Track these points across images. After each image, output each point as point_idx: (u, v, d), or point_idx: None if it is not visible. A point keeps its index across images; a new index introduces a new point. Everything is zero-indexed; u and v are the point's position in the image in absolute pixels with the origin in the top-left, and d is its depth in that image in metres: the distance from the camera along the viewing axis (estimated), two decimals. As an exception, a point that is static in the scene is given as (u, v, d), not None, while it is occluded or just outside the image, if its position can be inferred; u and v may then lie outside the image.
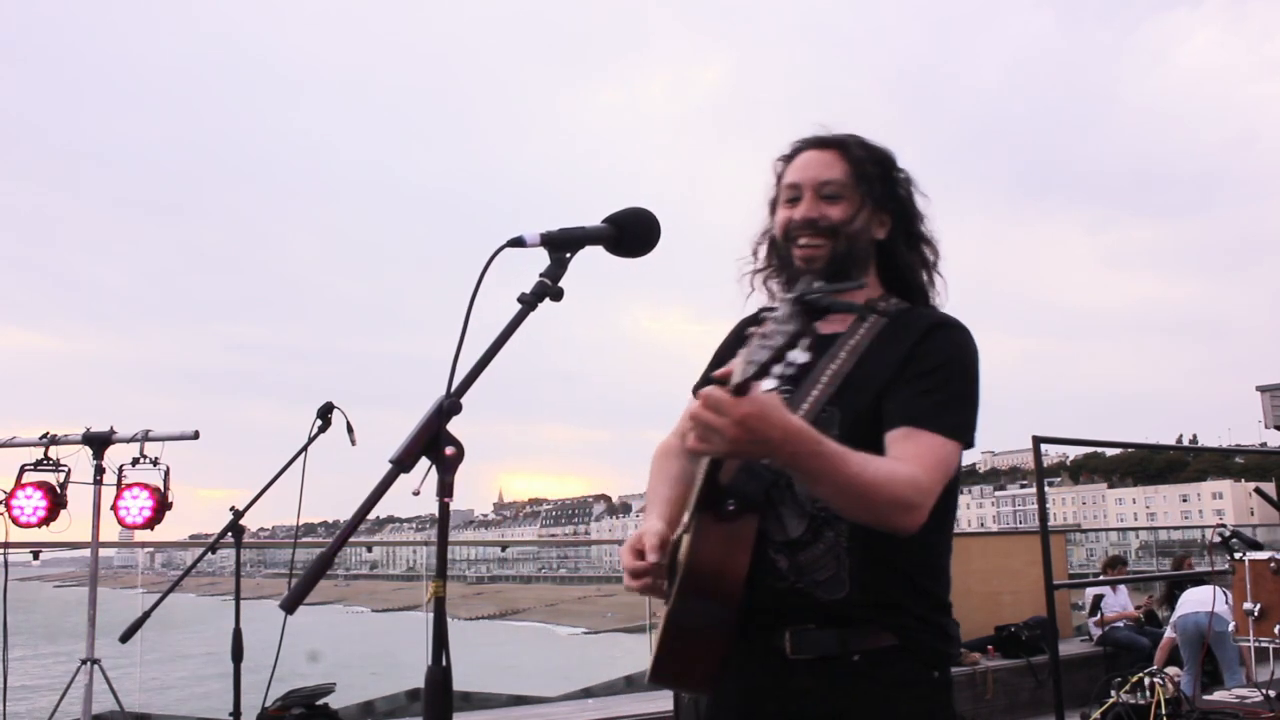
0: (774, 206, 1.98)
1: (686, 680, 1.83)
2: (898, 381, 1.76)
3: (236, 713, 4.42)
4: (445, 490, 1.42)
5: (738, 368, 1.42)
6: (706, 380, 2.02)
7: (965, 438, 1.76)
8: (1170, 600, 9.47)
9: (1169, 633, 7.23)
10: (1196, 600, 6.87)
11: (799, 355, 1.34)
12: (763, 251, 2.02)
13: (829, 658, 1.75)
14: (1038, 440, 5.83)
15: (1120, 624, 8.71)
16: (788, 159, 1.96)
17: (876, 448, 1.70)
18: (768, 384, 1.39)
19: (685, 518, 1.98)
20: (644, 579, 1.79)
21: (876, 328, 1.83)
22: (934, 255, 1.96)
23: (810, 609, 1.75)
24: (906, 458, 1.67)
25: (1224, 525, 6.91)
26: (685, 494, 2.00)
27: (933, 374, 1.76)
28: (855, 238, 1.86)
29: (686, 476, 2.03)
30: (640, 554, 1.78)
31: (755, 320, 2.03)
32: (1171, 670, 6.34)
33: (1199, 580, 7.60)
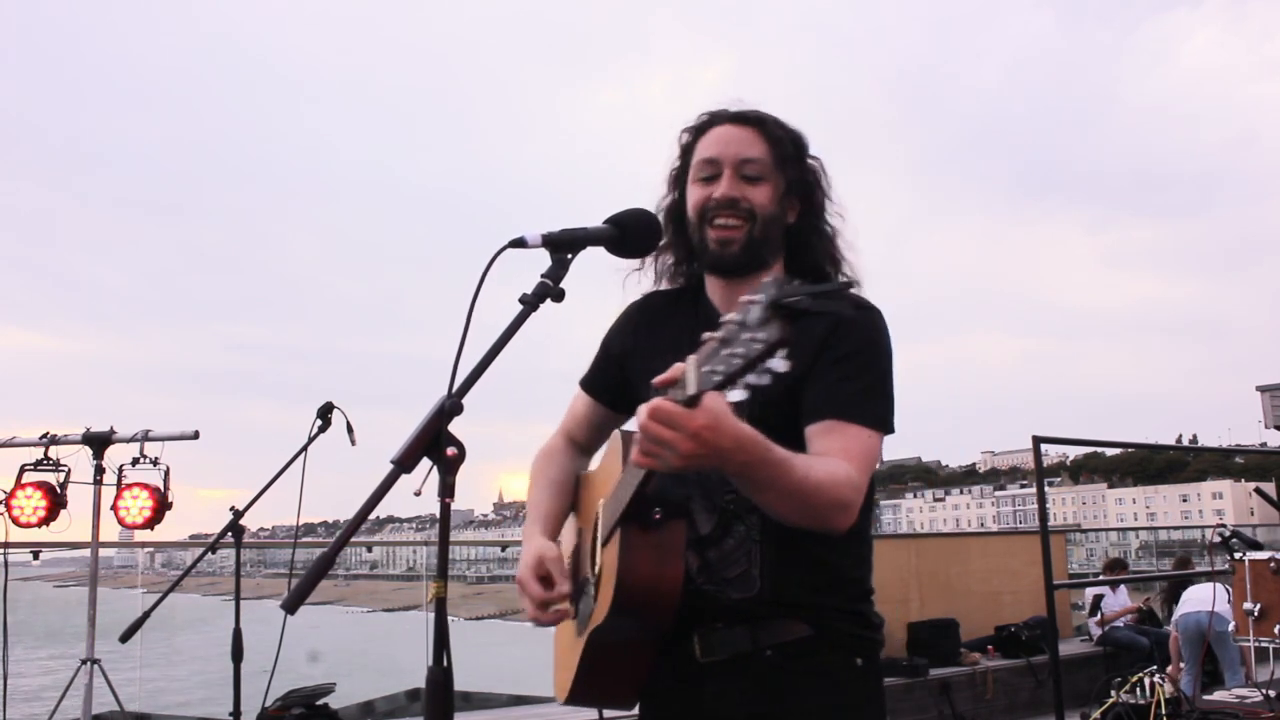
0: (676, 181, 1.87)
1: (611, 698, 1.82)
2: (814, 370, 1.67)
3: (236, 713, 4.41)
4: (446, 491, 1.42)
5: (691, 376, 1.27)
6: (602, 373, 1.99)
7: (888, 427, 1.71)
8: (1173, 599, 9.48)
9: (1174, 630, 7.24)
10: (1198, 599, 6.87)
11: (778, 364, 1.18)
12: (668, 232, 1.87)
13: (741, 655, 1.69)
14: (1038, 440, 5.83)
15: (1120, 623, 8.71)
16: (698, 131, 1.84)
17: (785, 434, 1.57)
18: (735, 395, 1.23)
19: (570, 531, 1.95)
20: (555, 610, 1.74)
21: None
22: (842, 242, 1.86)
23: (718, 612, 1.70)
24: (835, 453, 1.60)
25: (1224, 525, 6.90)
26: (567, 505, 1.98)
27: (849, 360, 1.68)
28: (772, 223, 1.77)
29: (568, 482, 2.00)
30: (547, 580, 1.73)
31: (650, 306, 1.95)
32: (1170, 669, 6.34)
33: (1196, 581, 7.60)
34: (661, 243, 1.86)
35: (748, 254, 1.76)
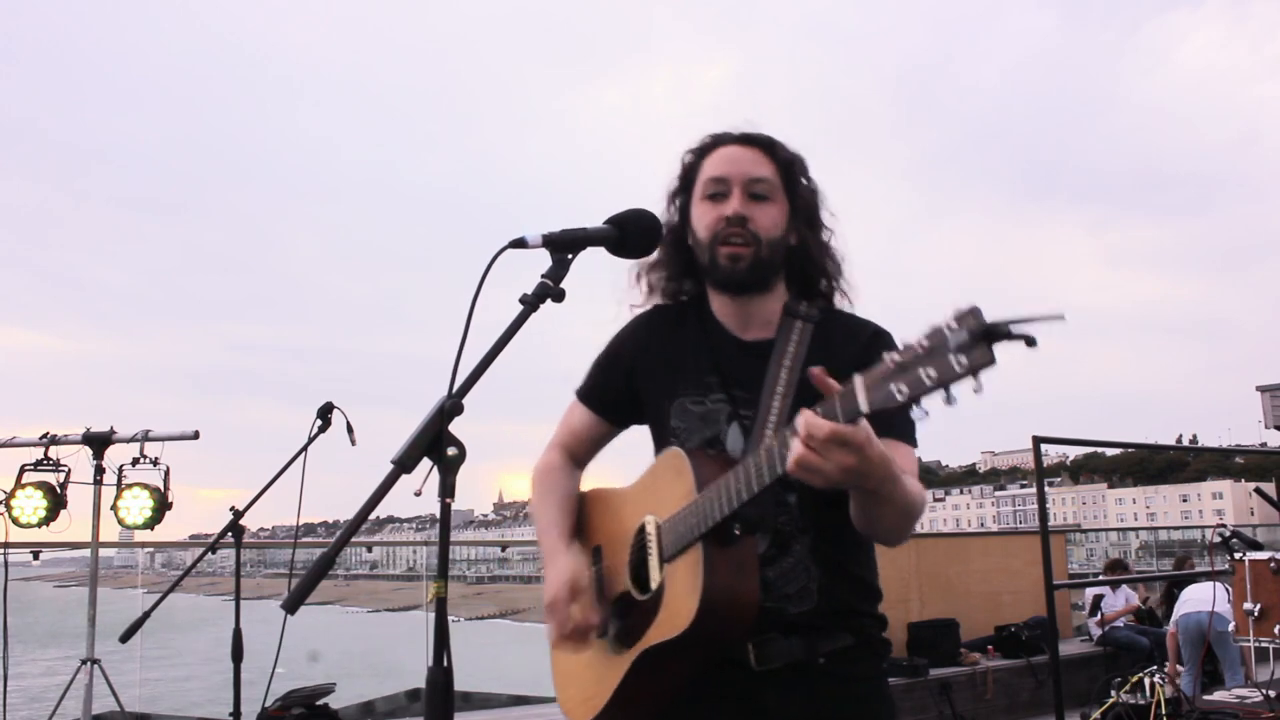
0: (676, 198, 1.91)
1: (645, 712, 1.80)
2: None
3: (236, 713, 4.41)
4: (447, 491, 1.42)
5: (861, 393, 1.30)
6: (603, 387, 2.00)
7: (917, 444, 1.81)
8: (1170, 600, 9.48)
9: (1172, 628, 7.24)
10: (1199, 599, 6.87)
11: (972, 388, 1.19)
12: (661, 246, 1.88)
13: (796, 664, 1.74)
14: (1038, 440, 5.83)
15: (1120, 623, 8.71)
16: (702, 152, 1.89)
17: None
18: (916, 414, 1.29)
19: (575, 550, 1.93)
20: (588, 631, 1.77)
21: (806, 334, 1.82)
22: (839, 262, 1.92)
23: (774, 623, 1.73)
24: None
25: (1224, 525, 6.90)
26: (574, 522, 1.99)
27: None
28: (778, 244, 1.83)
29: (575, 498, 2.02)
30: (582, 602, 1.76)
31: (653, 321, 1.96)
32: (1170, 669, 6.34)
33: (1195, 580, 7.60)
34: (653, 258, 1.89)
35: (755, 273, 1.81)
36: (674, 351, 1.91)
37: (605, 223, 1.65)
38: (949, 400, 1.21)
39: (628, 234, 1.66)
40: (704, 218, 1.83)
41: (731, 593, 1.62)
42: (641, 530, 1.80)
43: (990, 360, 1.17)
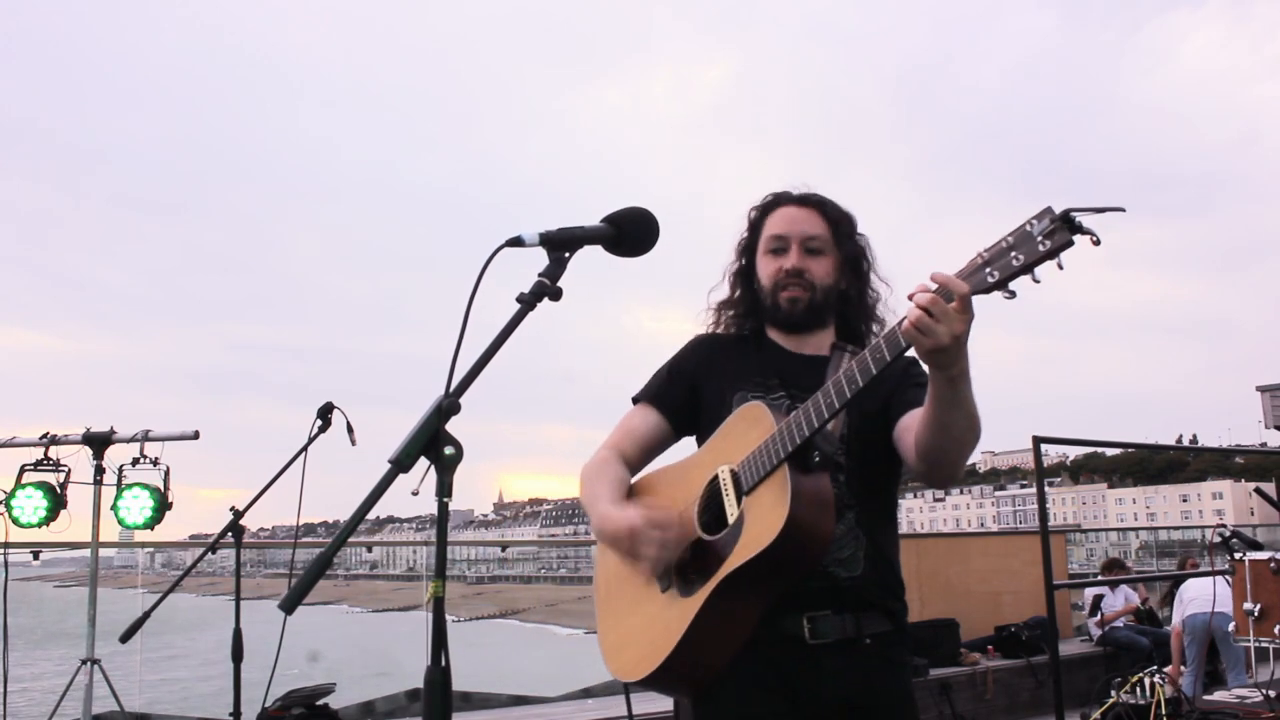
0: (746, 250, 2.19)
1: (703, 670, 1.88)
2: (900, 389, 2.01)
3: (236, 713, 4.41)
4: (444, 490, 1.42)
5: (958, 280, 1.53)
6: (669, 392, 2.19)
7: None
8: (1173, 600, 9.47)
9: (1177, 624, 7.23)
10: (1203, 596, 6.88)
11: (1053, 266, 1.46)
12: (731, 288, 2.22)
13: (846, 641, 1.91)
14: (1038, 440, 5.83)
15: (1120, 623, 8.71)
16: (765, 210, 2.18)
17: (878, 447, 2.01)
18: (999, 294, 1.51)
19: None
20: (683, 543, 1.91)
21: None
22: (883, 307, 2.16)
23: (824, 592, 1.90)
24: None
25: (1223, 525, 6.90)
26: (624, 497, 2.09)
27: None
28: (830, 290, 2.11)
29: (626, 482, 2.14)
30: (667, 524, 1.89)
31: (715, 342, 2.22)
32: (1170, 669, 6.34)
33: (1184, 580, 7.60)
34: (724, 297, 2.23)
35: (810, 315, 2.10)
36: (736, 361, 2.16)
37: (602, 221, 1.66)
38: (1035, 279, 1.47)
39: (624, 232, 1.66)
40: (767, 268, 2.13)
41: (813, 515, 1.75)
42: (714, 480, 1.93)
43: (1069, 241, 1.43)
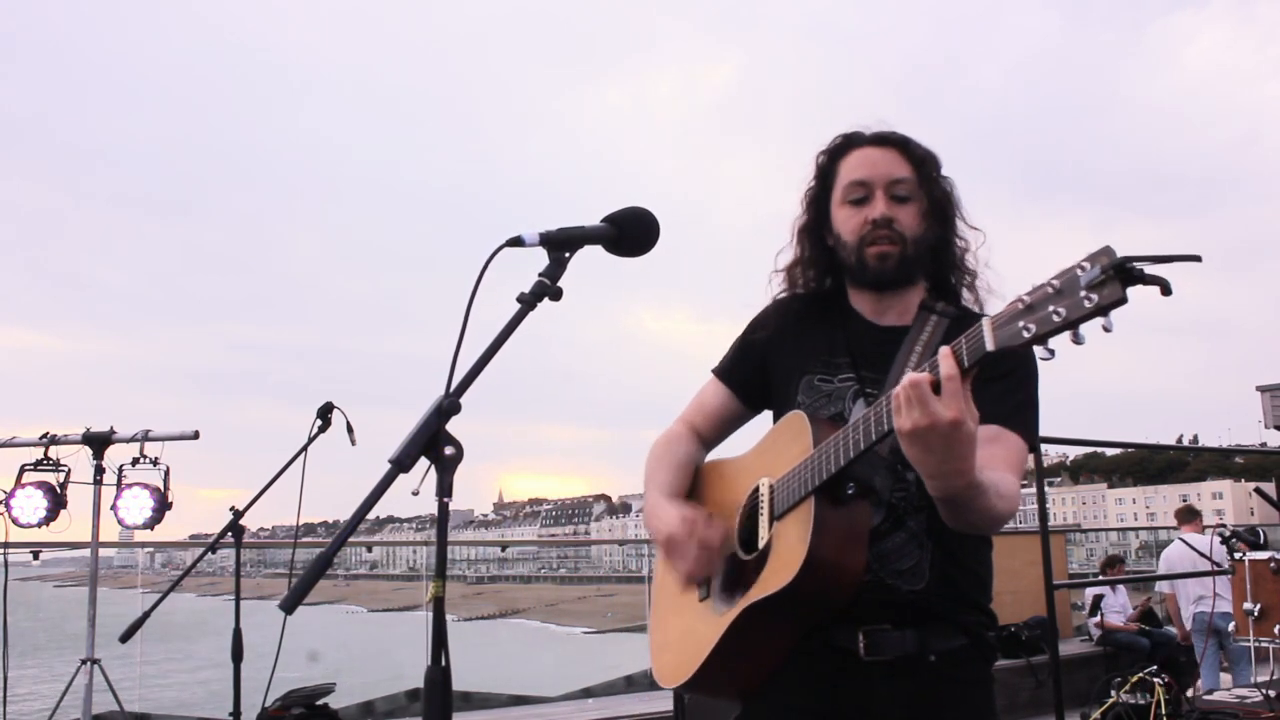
0: (815, 202, 1.93)
1: (737, 683, 1.80)
2: (979, 380, 1.70)
3: (236, 713, 4.41)
4: (445, 490, 1.41)
5: (988, 333, 1.31)
6: (740, 365, 2.03)
7: (1035, 441, 1.80)
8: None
9: (1190, 623, 7.27)
10: (1200, 593, 6.96)
11: (1103, 325, 1.20)
12: (800, 246, 1.96)
13: (906, 658, 1.70)
14: (1037, 440, 5.82)
15: (1120, 622, 8.70)
16: (835, 154, 1.91)
17: None
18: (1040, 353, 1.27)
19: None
20: (713, 560, 1.79)
21: (941, 327, 1.81)
22: (972, 258, 1.91)
23: (884, 606, 1.71)
24: (999, 463, 1.66)
25: (1223, 525, 6.90)
26: (688, 487, 2.01)
27: (1012, 376, 1.76)
28: (921, 242, 1.84)
29: (691, 466, 2.03)
30: (697, 530, 1.78)
31: (791, 308, 1.98)
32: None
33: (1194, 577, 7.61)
34: (796, 255, 1.96)
35: (903, 270, 1.84)
36: (808, 334, 1.93)
37: (602, 221, 1.65)
38: (1077, 339, 1.21)
39: (625, 232, 1.65)
40: (849, 221, 1.85)
41: (839, 551, 1.59)
42: (755, 492, 1.80)
43: (1122, 298, 1.16)
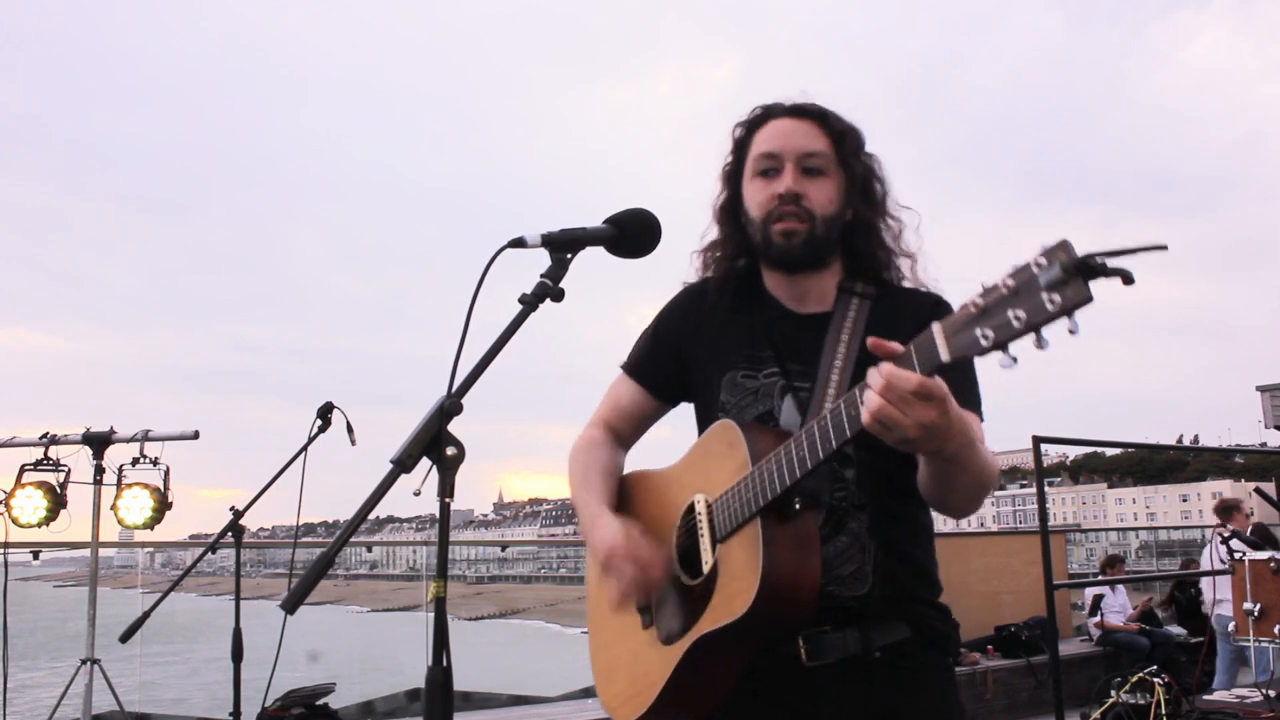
0: (730, 178, 1.84)
1: (696, 712, 1.70)
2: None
3: (236, 713, 4.41)
4: (446, 490, 1.41)
5: (940, 341, 1.22)
6: (652, 360, 1.93)
7: (984, 418, 1.73)
8: (1174, 601, 9.48)
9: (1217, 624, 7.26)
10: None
11: (1067, 326, 1.10)
12: (719, 225, 1.86)
13: (851, 658, 1.64)
14: (1038, 440, 5.83)
15: (1119, 622, 8.71)
16: (752, 126, 1.81)
17: None
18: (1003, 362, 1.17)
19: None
20: (652, 585, 1.69)
21: (864, 309, 1.74)
22: (901, 240, 1.82)
23: (825, 612, 1.62)
24: None
25: (1223, 525, 6.90)
26: (615, 491, 1.91)
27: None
28: (833, 222, 1.74)
29: (616, 474, 1.94)
30: (643, 561, 1.68)
31: (703, 294, 1.88)
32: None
33: (1196, 581, 7.61)
34: (711, 237, 1.87)
35: (810, 250, 1.74)
36: (725, 325, 1.84)
37: (604, 222, 1.65)
38: (1040, 344, 1.12)
39: (626, 234, 1.65)
40: (756, 195, 1.76)
41: (794, 571, 1.51)
42: (690, 510, 1.70)
43: (1087, 297, 1.07)
